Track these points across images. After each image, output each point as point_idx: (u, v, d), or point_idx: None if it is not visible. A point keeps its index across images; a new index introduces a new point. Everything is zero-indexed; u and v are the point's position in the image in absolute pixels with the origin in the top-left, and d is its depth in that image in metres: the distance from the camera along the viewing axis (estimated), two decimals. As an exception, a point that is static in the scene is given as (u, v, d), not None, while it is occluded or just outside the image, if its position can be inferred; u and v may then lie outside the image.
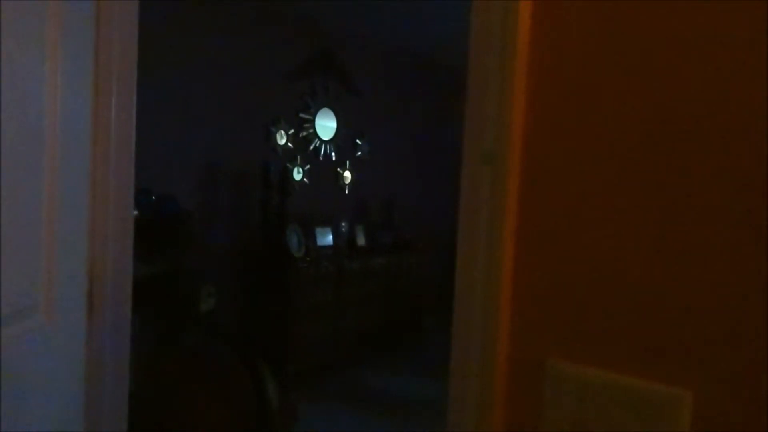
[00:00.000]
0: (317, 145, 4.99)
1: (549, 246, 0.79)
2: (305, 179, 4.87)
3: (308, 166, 4.89)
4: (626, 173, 0.74)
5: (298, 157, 4.81)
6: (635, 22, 0.74)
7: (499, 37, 0.78)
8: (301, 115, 4.82)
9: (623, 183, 0.74)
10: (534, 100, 0.80)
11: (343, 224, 5.04)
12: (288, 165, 4.63)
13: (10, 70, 1.08)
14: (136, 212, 1.82)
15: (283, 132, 4.65)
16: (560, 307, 0.78)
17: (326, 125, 5.04)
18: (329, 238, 4.86)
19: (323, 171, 5.06)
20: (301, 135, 4.83)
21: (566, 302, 0.78)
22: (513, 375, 0.83)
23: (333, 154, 5.14)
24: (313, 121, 4.91)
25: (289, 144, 4.71)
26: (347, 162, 5.28)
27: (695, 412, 0.70)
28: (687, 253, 0.70)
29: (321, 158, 5.04)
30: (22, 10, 1.12)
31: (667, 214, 0.72)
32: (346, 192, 5.29)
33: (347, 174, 5.29)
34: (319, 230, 4.77)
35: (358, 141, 5.36)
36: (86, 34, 1.35)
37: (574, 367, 0.77)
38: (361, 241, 5.16)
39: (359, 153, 5.39)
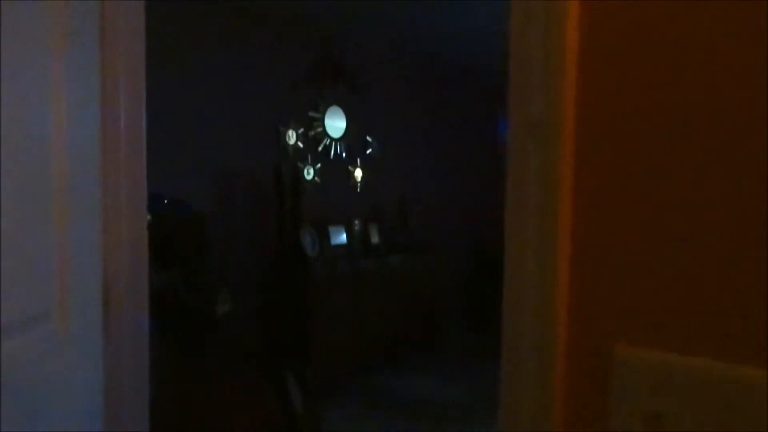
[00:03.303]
0: (327, 143, 4.93)
1: (612, 214, 0.70)
2: (316, 178, 4.80)
3: (319, 165, 4.83)
4: (700, 130, 0.66)
5: (309, 156, 4.75)
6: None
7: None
8: (311, 114, 4.76)
9: (695, 142, 0.66)
10: (586, 58, 0.72)
11: (357, 223, 4.97)
12: (299, 165, 4.57)
13: (13, 78, 1.03)
14: (148, 217, 1.76)
15: (292, 131, 4.59)
16: (629, 283, 0.70)
17: (336, 124, 4.98)
18: (343, 237, 4.80)
19: (334, 170, 4.99)
20: (310, 134, 4.77)
21: (636, 278, 0.69)
22: (575, 365, 0.75)
23: (343, 152, 5.07)
24: (322, 120, 4.85)
25: (299, 143, 4.65)
26: (358, 160, 5.21)
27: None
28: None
29: (331, 157, 4.97)
30: (24, 20, 1.07)
31: (756, 168, 0.63)
32: (358, 190, 5.22)
33: (358, 172, 5.22)
34: (332, 229, 4.71)
35: (368, 138, 5.29)
36: (91, 40, 1.31)
37: (647, 352, 0.69)
38: (375, 239, 5.09)
39: (370, 150, 5.32)
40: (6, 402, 0.98)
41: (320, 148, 4.87)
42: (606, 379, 0.72)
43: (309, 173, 4.74)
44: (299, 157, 4.65)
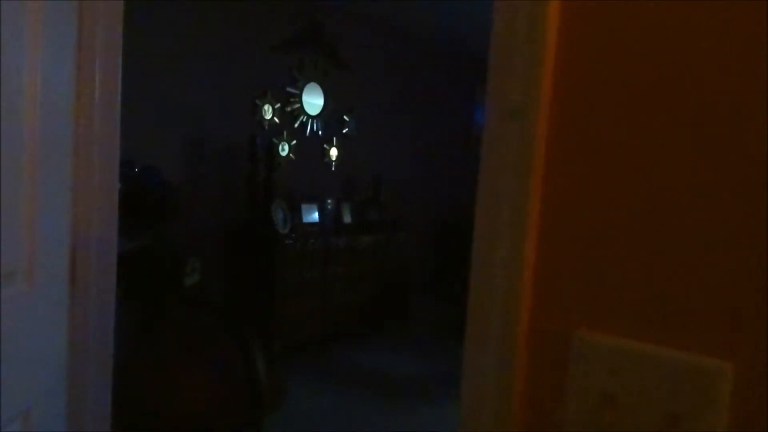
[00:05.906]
0: (304, 120, 4.89)
1: (578, 206, 0.73)
2: (291, 155, 4.77)
3: (294, 142, 4.80)
4: (669, 122, 0.69)
5: (285, 132, 4.71)
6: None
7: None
8: (288, 89, 4.72)
9: (666, 134, 0.69)
10: (565, 49, 0.74)
11: (329, 201, 4.97)
12: (274, 140, 4.53)
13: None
14: (119, 184, 1.74)
15: (269, 106, 4.55)
16: (589, 273, 0.73)
17: (313, 101, 4.94)
18: (315, 215, 4.80)
19: (309, 147, 4.97)
20: (287, 110, 4.73)
21: (596, 268, 0.73)
22: (535, 348, 0.78)
23: (320, 130, 5.04)
24: (300, 96, 4.81)
25: (276, 119, 4.61)
26: (334, 138, 5.19)
27: (737, 385, 0.65)
28: (733, 212, 0.64)
29: (307, 134, 4.95)
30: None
31: (716, 168, 0.66)
32: (333, 169, 5.21)
33: (334, 151, 5.20)
34: (304, 207, 4.70)
35: (345, 117, 5.27)
36: (68, 5, 1.29)
37: (604, 338, 0.72)
38: (347, 218, 5.10)
39: (346, 129, 5.30)
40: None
41: (296, 125, 4.84)
42: (565, 361, 0.75)
43: (284, 149, 4.71)
44: (275, 132, 4.61)
